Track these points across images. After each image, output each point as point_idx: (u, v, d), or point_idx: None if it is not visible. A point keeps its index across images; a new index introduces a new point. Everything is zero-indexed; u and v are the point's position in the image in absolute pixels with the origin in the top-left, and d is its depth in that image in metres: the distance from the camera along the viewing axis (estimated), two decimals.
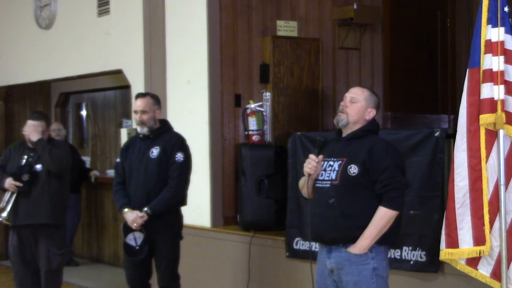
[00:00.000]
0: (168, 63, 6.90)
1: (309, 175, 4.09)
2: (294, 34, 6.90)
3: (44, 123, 6.01)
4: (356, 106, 4.08)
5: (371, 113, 4.11)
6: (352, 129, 4.09)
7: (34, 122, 5.97)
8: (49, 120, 6.21)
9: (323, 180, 4.06)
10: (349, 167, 3.98)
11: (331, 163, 4.06)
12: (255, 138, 6.51)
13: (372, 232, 3.91)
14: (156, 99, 5.48)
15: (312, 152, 4.16)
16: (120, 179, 5.43)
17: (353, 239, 3.96)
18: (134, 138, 5.55)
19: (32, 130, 5.91)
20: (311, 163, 4.07)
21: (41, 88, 9.90)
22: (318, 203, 4.08)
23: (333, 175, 4.02)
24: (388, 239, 4.01)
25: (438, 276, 4.80)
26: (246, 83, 6.67)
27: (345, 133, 4.12)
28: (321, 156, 4.09)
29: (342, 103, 4.12)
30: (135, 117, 5.45)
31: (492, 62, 4.08)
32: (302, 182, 4.23)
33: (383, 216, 3.92)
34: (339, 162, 4.02)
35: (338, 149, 4.09)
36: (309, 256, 4.51)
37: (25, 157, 5.94)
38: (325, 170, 4.07)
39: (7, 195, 5.94)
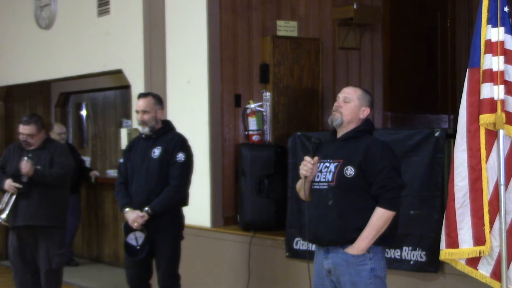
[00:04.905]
0: (168, 63, 6.90)
1: (305, 177, 4.10)
2: (294, 34, 6.89)
3: (35, 126, 5.97)
4: (350, 106, 4.09)
5: (365, 112, 4.12)
6: (347, 128, 4.10)
7: (25, 127, 5.94)
8: (42, 121, 6.13)
9: (320, 181, 4.06)
10: (345, 168, 3.98)
11: (327, 164, 4.06)
12: (255, 138, 6.51)
13: (369, 233, 3.92)
14: (158, 99, 5.48)
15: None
16: (122, 179, 5.45)
17: (351, 241, 3.96)
18: (137, 139, 5.57)
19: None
20: (307, 165, 4.07)
21: (41, 88, 9.89)
22: (317, 205, 4.07)
23: (329, 177, 4.02)
24: (386, 240, 4.02)
25: (438, 276, 4.80)
26: (246, 83, 6.67)
27: (340, 133, 4.13)
28: (316, 158, 4.09)
29: (335, 103, 4.13)
30: (136, 117, 5.46)
31: (492, 62, 4.08)
32: (299, 184, 4.22)
33: (380, 217, 3.92)
34: (335, 163, 4.02)
35: (333, 150, 4.09)
36: (307, 256, 4.52)
37: (25, 158, 5.93)
38: (321, 171, 4.07)
39: (6, 196, 5.94)
